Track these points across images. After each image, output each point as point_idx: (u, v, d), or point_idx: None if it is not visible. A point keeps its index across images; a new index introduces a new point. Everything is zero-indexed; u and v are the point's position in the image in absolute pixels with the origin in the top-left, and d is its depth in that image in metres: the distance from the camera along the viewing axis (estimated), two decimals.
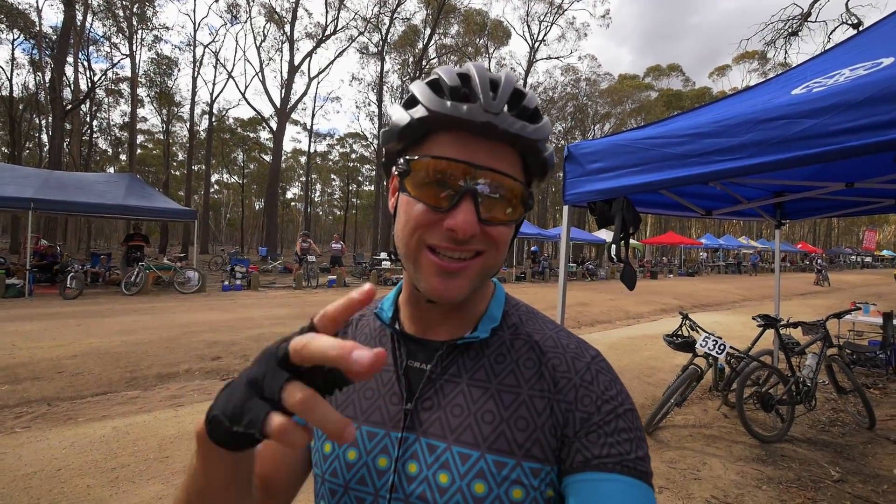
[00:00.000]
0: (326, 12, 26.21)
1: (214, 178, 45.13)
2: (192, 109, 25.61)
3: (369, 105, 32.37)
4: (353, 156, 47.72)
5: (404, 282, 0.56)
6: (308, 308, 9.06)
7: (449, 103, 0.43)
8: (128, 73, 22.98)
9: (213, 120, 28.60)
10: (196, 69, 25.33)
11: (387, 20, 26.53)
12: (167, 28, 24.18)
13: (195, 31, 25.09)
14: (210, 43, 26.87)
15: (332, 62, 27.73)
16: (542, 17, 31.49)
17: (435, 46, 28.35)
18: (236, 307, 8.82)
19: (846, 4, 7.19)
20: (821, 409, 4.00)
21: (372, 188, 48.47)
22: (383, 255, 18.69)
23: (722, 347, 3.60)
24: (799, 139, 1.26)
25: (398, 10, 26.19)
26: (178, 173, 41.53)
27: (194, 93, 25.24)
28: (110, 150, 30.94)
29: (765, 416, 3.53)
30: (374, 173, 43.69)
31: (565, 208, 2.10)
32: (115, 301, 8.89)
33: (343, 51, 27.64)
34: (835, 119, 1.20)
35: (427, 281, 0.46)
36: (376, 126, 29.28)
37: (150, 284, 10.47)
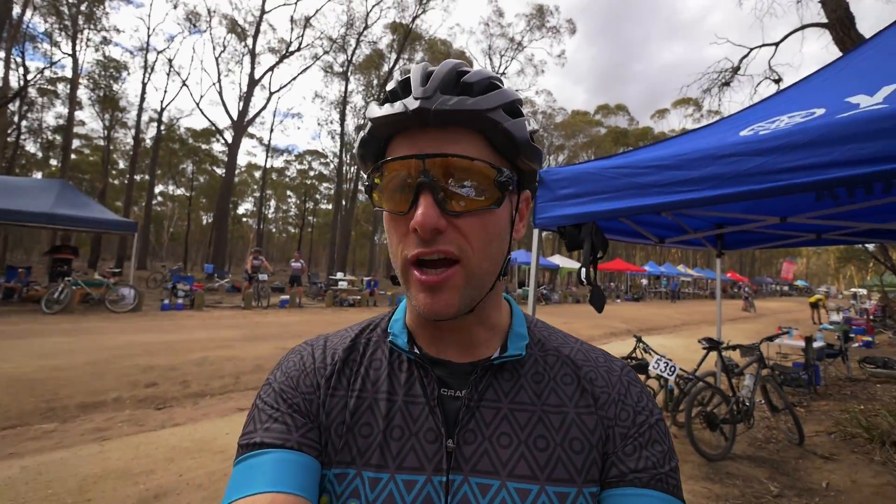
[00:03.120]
0: (291, 29, 26.06)
1: (159, 189, 42.47)
2: (139, 116, 24.16)
3: (332, 123, 32.14)
4: (312, 173, 46.86)
5: (407, 302, 0.51)
6: (258, 329, 8.55)
7: (386, 105, 0.43)
8: (68, 73, 21.40)
9: (162, 128, 27.08)
10: (147, 75, 24.07)
11: (353, 42, 26.81)
12: (118, 30, 22.87)
13: (149, 36, 24.03)
14: (164, 49, 25.70)
15: (294, 78, 27.44)
16: (503, 52, 33.17)
17: (400, 71, 28.83)
18: (177, 328, 8.16)
19: (769, 62, 8.36)
20: (757, 427, 4.27)
21: (330, 207, 47.66)
22: (339, 275, 18.22)
23: (673, 369, 3.79)
24: (750, 175, 1.39)
25: (364, 33, 26.58)
26: (116, 182, 38.61)
27: (143, 99, 23.86)
28: (40, 153, 28.29)
29: (710, 435, 3.72)
30: (332, 191, 43.06)
31: (535, 231, 2.16)
32: (33, 320, 7.93)
33: (307, 68, 27.48)
34: (780, 158, 1.34)
35: (416, 298, 0.43)
36: (338, 145, 29.03)
37: (77, 302, 9.47)
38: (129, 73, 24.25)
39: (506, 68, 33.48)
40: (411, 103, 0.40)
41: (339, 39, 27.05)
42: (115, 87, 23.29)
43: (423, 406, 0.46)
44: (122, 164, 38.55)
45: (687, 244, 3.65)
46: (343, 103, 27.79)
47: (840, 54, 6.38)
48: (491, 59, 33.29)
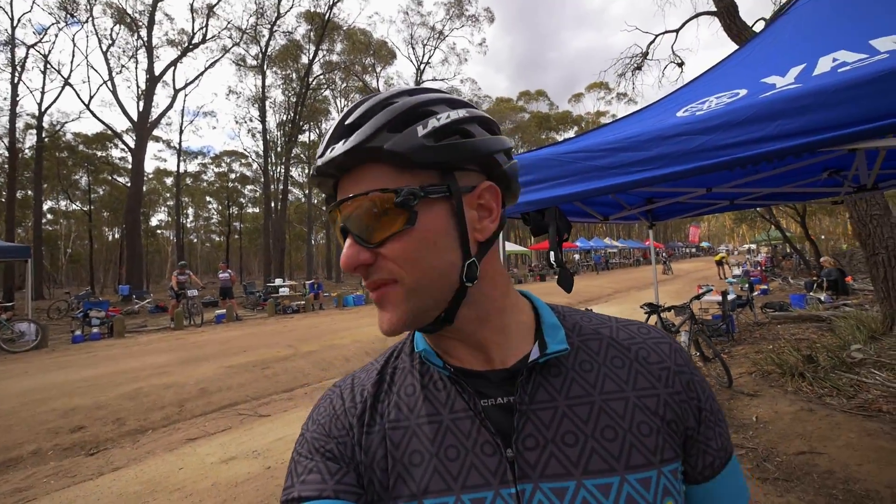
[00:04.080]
0: (193, 19, 23.69)
1: (48, 205, 36.96)
2: (12, 122, 20.51)
3: (251, 121, 29.96)
4: (233, 175, 43.51)
5: None
6: (196, 350, 7.87)
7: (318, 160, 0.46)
8: None
9: (44, 135, 23.43)
10: (17, 74, 20.53)
11: (266, 33, 25.05)
12: None
13: (13, 28, 20.41)
14: (36, 44, 21.99)
15: (201, 73, 25.24)
16: (425, 42, 32.99)
17: (321, 63, 27.62)
18: (97, 361, 7.25)
19: (672, 47, 9.26)
20: None
21: (257, 210, 44.66)
22: (278, 281, 17.26)
23: None
24: (698, 152, 1.53)
25: (278, 23, 24.96)
26: None
27: (15, 102, 20.31)
28: None
29: None
30: (259, 193, 40.37)
31: None
32: None
33: (215, 61, 25.25)
34: (722, 136, 1.48)
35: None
36: (260, 143, 27.18)
37: None
38: None
39: (429, 57, 33.42)
40: (315, 163, 0.45)
41: (249, 30, 25.12)
42: None
43: (471, 420, 0.45)
44: None
45: (626, 220, 3.95)
46: (262, 99, 26.01)
47: (728, 39, 7.21)
48: (414, 49, 33.02)
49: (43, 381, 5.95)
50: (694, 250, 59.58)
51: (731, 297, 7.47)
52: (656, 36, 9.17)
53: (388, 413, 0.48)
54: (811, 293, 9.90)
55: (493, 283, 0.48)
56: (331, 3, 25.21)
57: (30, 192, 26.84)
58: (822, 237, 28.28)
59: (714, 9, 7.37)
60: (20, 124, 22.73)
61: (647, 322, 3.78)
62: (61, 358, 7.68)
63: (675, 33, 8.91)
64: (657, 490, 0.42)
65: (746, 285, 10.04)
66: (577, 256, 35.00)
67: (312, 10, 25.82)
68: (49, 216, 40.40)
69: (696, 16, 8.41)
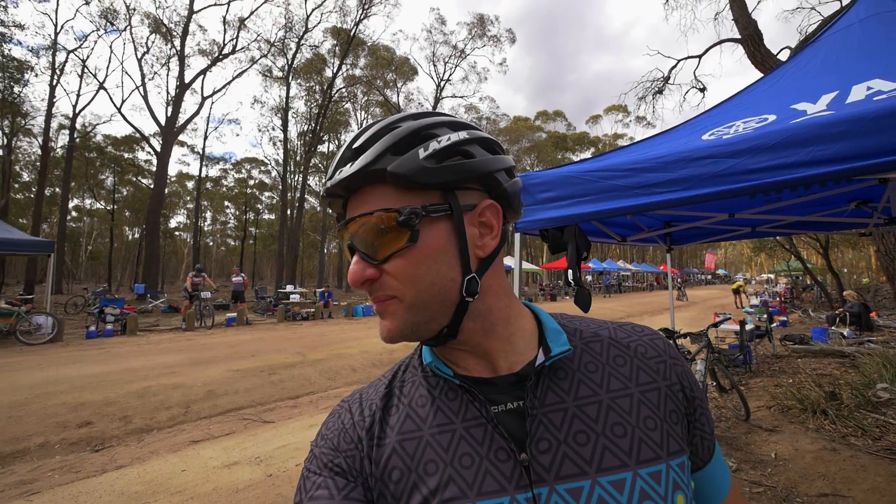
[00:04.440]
0: (224, 31, 24.62)
1: (73, 203, 38.21)
2: (47, 122, 21.41)
3: (273, 130, 30.72)
4: (252, 182, 44.48)
5: None
6: (205, 352, 7.92)
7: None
8: None
9: (76, 136, 24.35)
10: (56, 77, 21.50)
11: (293, 46, 25.87)
12: (21, 27, 19.86)
13: (56, 34, 21.47)
14: (76, 49, 23.03)
15: (229, 82, 25.95)
16: (446, 59, 33.62)
17: (344, 76, 28.32)
18: (109, 357, 7.34)
19: (694, 73, 9.22)
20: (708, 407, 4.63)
21: (273, 217, 45.40)
22: (290, 287, 17.39)
23: None
24: (725, 175, 1.50)
25: (305, 37, 25.76)
26: (20, 196, 34.15)
27: (51, 104, 21.20)
28: None
29: None
30: (275, 200, 41.09)
31: (517, 236, 2.19)
32: None
33: (243, 72, 26.11)
34: (751, 160, 1.45)
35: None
36: (280, 152, 27.80)
37: None
38: (35, 75, 21.45)
39: (450, 75, 33.98)
40: (325, 185, 0.48)
41: (277, 43, 25.97)
42: (17, 89, 20.56)
43: (483, 427, 0.46)
44: (25, 177, 34.22)
45: (643, 242, 3.89)
46: (285, 109, 26.69)
47: (752, 66, 7.19)
48: (435, 66, 33.65)
49: (55, 374, 6.04)
50: (709, 277, 58.40)
51: (749, 326, 7.26)
52: (679, 61, 9.20)
53: (400, 424, 0.48)
54: (833, 327, 9.56)
55: (497, 296, 0.49)
56: (357, 19, 25.99)
57: (58, 190, 27.81)
58: (845, 270, 27.46)
59: (738, 36, 7.38)
60: (54, 124, 23.73)
61: None
62: (75, 352, 7.81)
63: (697, 59, 8.93)
64: (668, 484, 0.43)
65: (765, 315, 9.75)
66: (588, 277, 34.59)
67: (339, 25, 26.62)
68: (74, 213, 41.73)
69: (720, 42, 8.43)
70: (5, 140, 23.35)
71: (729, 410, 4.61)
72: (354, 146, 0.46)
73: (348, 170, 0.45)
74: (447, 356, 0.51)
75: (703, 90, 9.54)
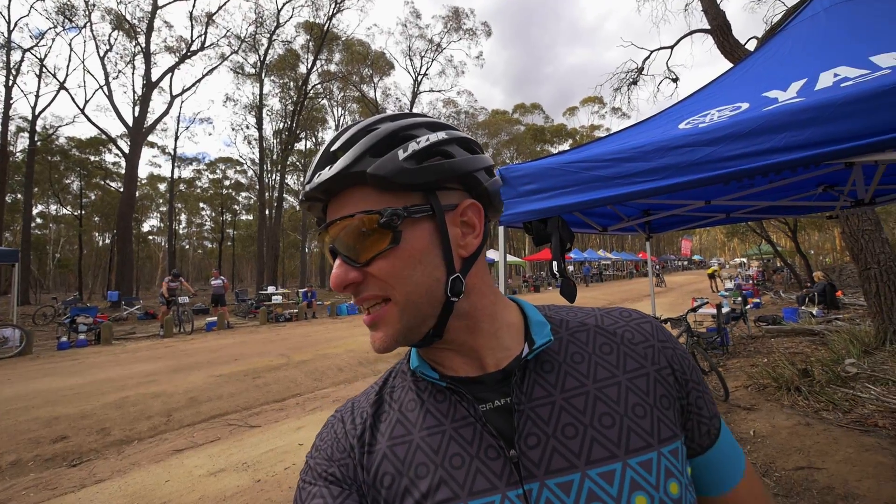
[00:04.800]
0: (192, 27, 23.76)
1: (37, 209, 36.49)
2: (4, 125, 20.26)
3: (248, 128, 29.93)
4: (227, 182, 43.35)
5: None
6: (185, 358, 7.71)
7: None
8: None
9: (37, 139, 23.19)
10: (11, 77, 20.36)
11: (265, 41, 25.19)
12: None
13: (9, 31, 20.30)
14: (32, 48, 21.84)
15: (199, 80, 25.08)
16: (423, 54, 33.34)
17: (319, 72, 27.77)
18: (83, 368, 7.07)
19: (667, 63, 9.42)
20: None
21: (251, 217, 44.35)
22: (271, 288, 17.08)
23: None
24: (702, 163, 1.53)
25: (277, 32, 25.12)
26: None
27: (8, 105, 20.08)
28: None
29: None
30: (253, 200, 40.11)
31: (500, 229, 2.19)
32: None
33: (213, 69, 25.26)
34: (727, 147, 1.49)
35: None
36: (256, 151, 27.12)
37: None
38: None
39: (427, 69, 33.73)
40: (303, 190, 0.48)
41: (248, 38, 25.24)
42: None
43: (472, 426, 0.46)
44: None
45: (623, 231, 3.96)
46: (259, 107, 26.02)
47: (721, 56, 7.37)
48: (411, 60, 33.35)
49: (25, 389, 5.78)
50: (686, 263, 60.07)
51: (725, 309, 7.50)
52: (651, 52, 9.35)
53: (390, 430, 0.48)
54: (803, 307, 9.98)
55: (481, 294, 0.49)
56: (330, 14, 25.47)
57: (19, 196, 26.49)
58: (812, 252, 28.68)
59: (708, 27, 7.54)
60: (12, 127, 22.52)
61: None
62: (46, 365, 7.49)
63: (669, 49, 9.11)
64: (659, 472, 0.42)
65: (739, 298, 10.10)
66: (570, 268, 35.12)
67: (312, 20, 26.04)
68: (38, 220, 39.88)
69: (690, 33, 8.61)
70: None
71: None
72: (332, 149, 0.46)
73: (327, 173, 0.44)
74: (433, 357, 0.50)
75: (675, 80, 9.77)
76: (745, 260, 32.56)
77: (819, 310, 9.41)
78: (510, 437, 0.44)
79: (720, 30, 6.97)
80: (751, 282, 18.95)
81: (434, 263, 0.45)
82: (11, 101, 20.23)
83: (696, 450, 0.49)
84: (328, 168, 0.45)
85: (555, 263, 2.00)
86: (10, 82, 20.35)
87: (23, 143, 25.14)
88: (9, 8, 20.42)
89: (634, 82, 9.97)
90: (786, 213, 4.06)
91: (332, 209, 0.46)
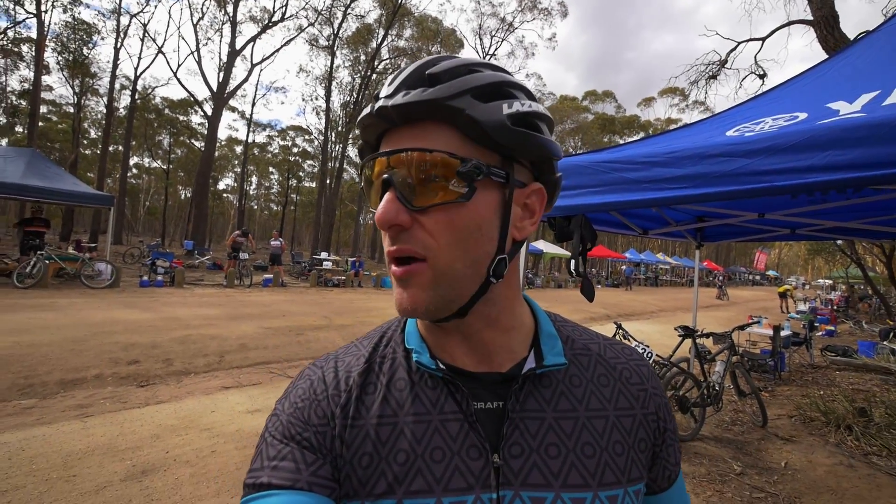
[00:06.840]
0: None
1: (134, 161, 40.85)
2: (111, 83, 22.90)
3: (317, 99, 31.23)
4: (295, 150, 45.74)
5: None
6: (241, 308, 8.48)
7: (365, 108, 0.42)
8: (33, 33, 20.08)
9: (137, 97, 25.84)
10: (119, 40, 22.76)
11: (340, 14, 25.83)
12: None
13: None
14: (138, 13, 24.18)
15: (277, 50, 26.39)
16: (493, 33, 32.55)
17: (388, 47, 28.12)
18: (158, 305, 8.03)
19: (755, 57, 8.47)
20: (724, 410, 4.53)
21: (313, 185, 46.70)
22: (324, 254, 18.07)
23: (650, 355, 3.96)
24: (735, 175, 1.45)
25: (352, 6, 25.63)
26: (88, 152, 36.91)
27: (115, 65, 22.60)
28: (3, 118, 26.77)
29: (681, 417, 3.93)
30: (316, 169, 42.14)
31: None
32: (4, 295, 7.67)
33: (291, 40, 26.41)
34: (764, 161, 1.40)
35: (394, 293, 0.43)
36: (323, 121, 28.33)
37: (51, 277, 9.18)
38: (101, 38, 22.83)
39: (496, 49, 32.92)
40: (376, 104, 0.41)
41: (324, 11, 26.03)
42: (86, 51, 21.96)
43: (461, 422, 0.43)
44: (93, 134, 36.86)
45: (669, 236, 3.77)
46: (329, 79, 26.96)
47: (823, 52, 6.53)
48: (481, 39, 32.68)
49: (112, 316, 6.70)
50: (758, 277, 54.99)
51: (785, 332, 6.90)
52: (739, 43, 8.45)
53: (376, 407, 0.45)
54: (885, 342, 8.89)
55: (509, 286, 0.46)
56: None
57: (120, 148, 29.82)
58: None
59: (811, 17, 6.70)
60: (117, 85, 25.22)
61: (680, 346, 3.60)
62: (129, 298, 8.59)
63: (760, 41, 8.18)
64: None
65: (806, 323, 9.20)
66: (624, 268, 33.56)
67: None
68: (134, 170, 44.72)
69: (788, 24, 7.67)
70: (75, 99, 25.13)
71: (747, 415, 4.49)
72: (430, 71, 0.40)
73: (419, 94, 0.39)
74: (436, 339, 0.47)
75: (762, 76, 8.74)
76: (829, 282, 29.23)
77: None
78: (495, 442, 0.43)
79: (825, 21, 6.16)
80: (830, 307, 17.08)
81: (489, 236, 0.41)
82: (118, 62, 22.60)
83: (654, 490, 0.51)
84: (421, 90, 0.39)
85: (573, 262, 2.00)
86: (119, 45, 22.68)
87: (125, 100, 28.09)
88: None
89: (714, 76, 9.07)
90: (864, 236, 3.65)
91: (397, 137, 0.41)
